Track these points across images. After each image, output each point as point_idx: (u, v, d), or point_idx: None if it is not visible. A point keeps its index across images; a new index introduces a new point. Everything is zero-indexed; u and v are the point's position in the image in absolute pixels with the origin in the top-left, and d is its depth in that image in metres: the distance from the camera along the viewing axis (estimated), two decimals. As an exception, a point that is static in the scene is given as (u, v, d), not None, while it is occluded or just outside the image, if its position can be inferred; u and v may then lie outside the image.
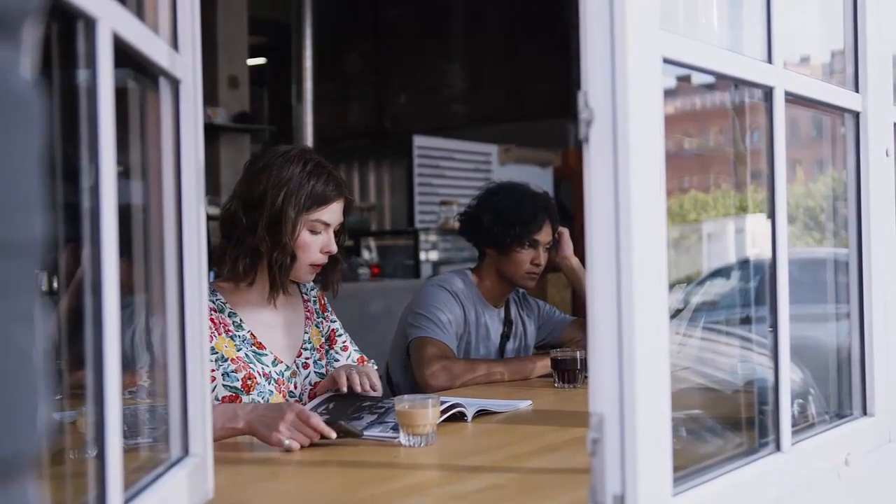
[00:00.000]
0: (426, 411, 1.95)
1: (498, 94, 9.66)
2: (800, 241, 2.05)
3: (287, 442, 1.94)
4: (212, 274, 2.44)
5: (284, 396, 2.37)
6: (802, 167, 2.15)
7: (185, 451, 1.42)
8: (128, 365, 1.06)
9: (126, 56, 1.15)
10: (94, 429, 1.03)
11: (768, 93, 1.59)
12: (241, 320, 2.36)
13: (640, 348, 1.20)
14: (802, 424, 1.75)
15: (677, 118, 1.30)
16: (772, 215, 1.60)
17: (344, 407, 2.24)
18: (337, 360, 2.54)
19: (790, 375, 1.61)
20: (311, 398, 2.42)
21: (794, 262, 1.62)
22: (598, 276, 1.21)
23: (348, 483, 1.78)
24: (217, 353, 2.28)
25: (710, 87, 1.83)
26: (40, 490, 0.63)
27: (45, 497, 0.66)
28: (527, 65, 9.39)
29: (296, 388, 2.42)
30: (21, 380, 0.59)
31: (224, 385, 2.27)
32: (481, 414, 2.30)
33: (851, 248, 1.92)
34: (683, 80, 1.53)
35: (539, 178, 7.30)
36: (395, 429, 2.00)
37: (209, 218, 1.77)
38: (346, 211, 2.42)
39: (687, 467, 1.37)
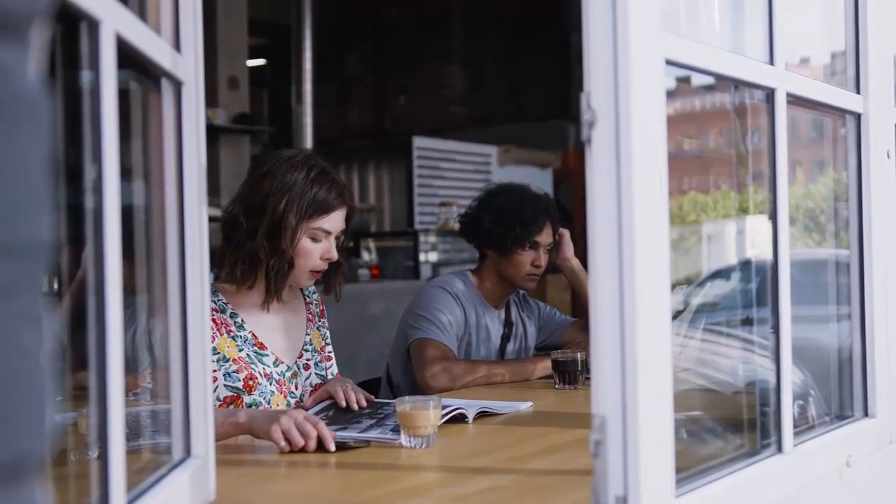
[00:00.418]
0: (427, 412, 1.95)
1: (497, 96, 9.66)
2: (799, 242, 2.05)
3: (283, 444, 1.93)
4: (212, 275, 2.44)
5: (285, 397, 2.37)
6: (802, 168, 2.15)
7: (188, 452, 1.42)
8: (129, 365, 1.06)
9: (129, 57, 1.15)
10: (97, 430, 1.03)
11: (770, 94, 1.59)
12: (242, 321, 2.36)
13: (643, 350, 1.20)
14: (803, 426, 1.75)
15: (676, 119, 1.30)
16: (773, 217, 1.60)
17: (343, 413, 2.25)
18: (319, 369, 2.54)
19: (791, 377, 1.61)
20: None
21: (794, 263, 1.62)
22: (601, 277, 1.21)
23: (350, 484, 1.78)
24: (218, 353, 2.28)
25: (709, 89, 1.83)
26: (47, 491, 0.63)
27: (52, 498, 0.66)
28: (526, 66, 9.39)
29: (296, 388, 2.42)
30: (28, 381, 0.59)
31: (225, 385, 2.27)
32: (482, 415, 2.30)
33: (852, 250, 1.92)
34: (683, 81, 1.53)
35: (538, 180, 7.29)
36: (396, 431, 2.00)
37: (209, 219, 1.77)
38: (349, 218, 2.41)
39: (689, 469, 1.37)
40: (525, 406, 2.45)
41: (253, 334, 2.36)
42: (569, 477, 1.74)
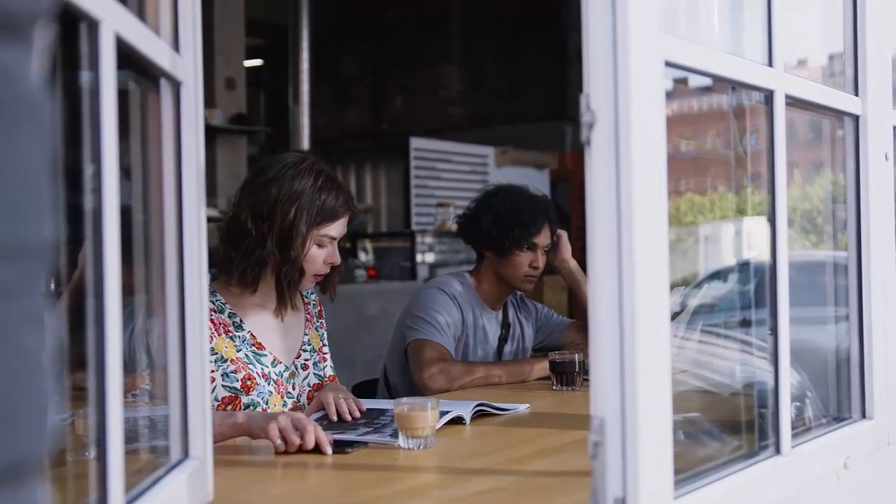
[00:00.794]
0: (425, 414, 1.94)
1: (495, 97, 9.66)
2: (796, 243, 2.05)
3: (279, 442, 1.93)
4: (210, 275, 2.44)
5: (283, 397, 2.37)
6: (799, 170, 2.15)
7: (185, 453, 1.42)
8: (126, 366, 1.06)
9: (128, 58, 1.15)
10: (95, 431, 1.02)
11: (769, 96, 1.59)
12: (241, 321, 2.37)
13: (642, 351, 1.20)
14: (800, 428, 1.75)
15: (673, 120, 1.29)
16: (772, 218, 1.60)
17: (340, 419, 2.23)
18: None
19: (788, 378, 1.61)
20: (308, 400, 2.42)
21: (791, 264, 1.62)
22: (600, 278, 1.21)
23: (348, 486, 1.78)
24: (216, 353, 2.28)
25: (706, 90, 1.83)
26: (49, 492, 0.63)
27: (53, 499, 0.66)
28: (524, 67, 9.40)
29: (294, 388, 2.42)
30: (29, 382, 0.59)
31: (223, 385, 2.27)
32: (480, 416, 2.29)
33: (851, 252, 1.92)
34: (680, 82, 1.52)
35: (535, 181, 7.29)
36: (394, 436, 2.00)
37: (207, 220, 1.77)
38: (350, 222, 2.43)
39: (687, 470, 1.37)
40: (522, 408, 2.45)
41: (252, 334, 2.37)
42: (567, 478, 1.74)
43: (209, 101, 7.33)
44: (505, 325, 3.24)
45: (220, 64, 7.57)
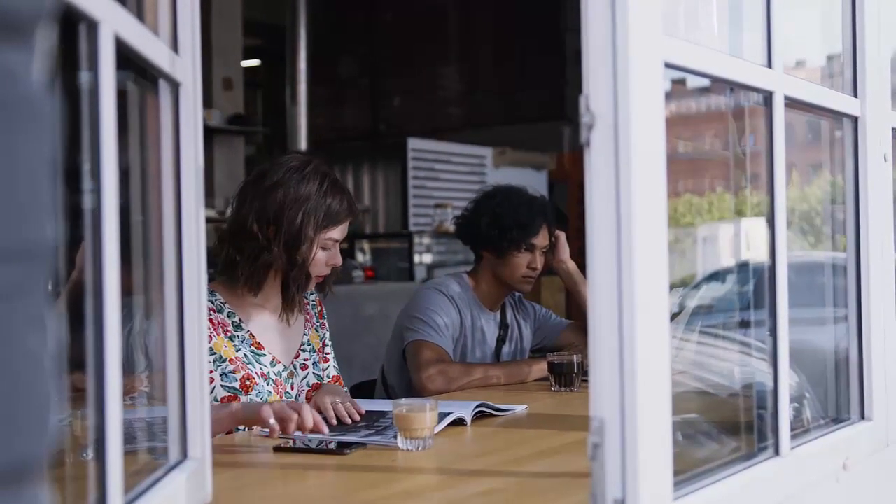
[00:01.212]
0: (424, 415, 1.94)
1: (492, 97, 9.66)
2: (794, 244, 2.05)
3: (272, 421, 1.95)
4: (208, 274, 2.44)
5: (281, 397, 2.37)
6: (797, 171, 2.15)
7: (184, 454, 1.42)
8: (125, 366, 1.06)
9: (127, 58, 1.15)
10: (94, 432, 1.02)
11: (768, 97, 1.59)
12: (240, 320, 2.37)
13: (641, 352, 1.20)
14: (799, 429, 1.75)
15: (671, 121, 1.29)
16: (771, 219, 1.60)
17: (339, 422, 2.23)
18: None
19: (787, 380, 1.61)
20: (307, 400, 2.42)
21: (790, 265, 1.62)
22: (599, 279, 1.21)
23: (346, 487, 1.78)
24: (215, 353, 2.28)
25: (705, 91, 1.83)
26: (50, 493, 0.63)
27: (56, 500, 0.66)
28: (521, 68, 9.40)
29: (293, 388, 2.42)
30: (32, 384, 0.59)
31: (222, 385, 2.28)
32: (479, 417, 2.29)
33: (850, 253, 1.92)
34: (677, 83, 1.52)
35: (533, 181, 7.29)
36: (393, 438, 2.00)
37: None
38: (350, 224, 2.45)
39: (687, 472, 1.37)
40: (520, 409, 2.45)
41: (251, 334, 2.37)
42: (566, 480, 1.74)
43: (207, 101, 7.32)
44: (503, 326, 3.23)
45: (217, 64, 7.57)
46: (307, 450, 1.96)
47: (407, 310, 3.08)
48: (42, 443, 0.59)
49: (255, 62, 10.19)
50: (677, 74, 1.41)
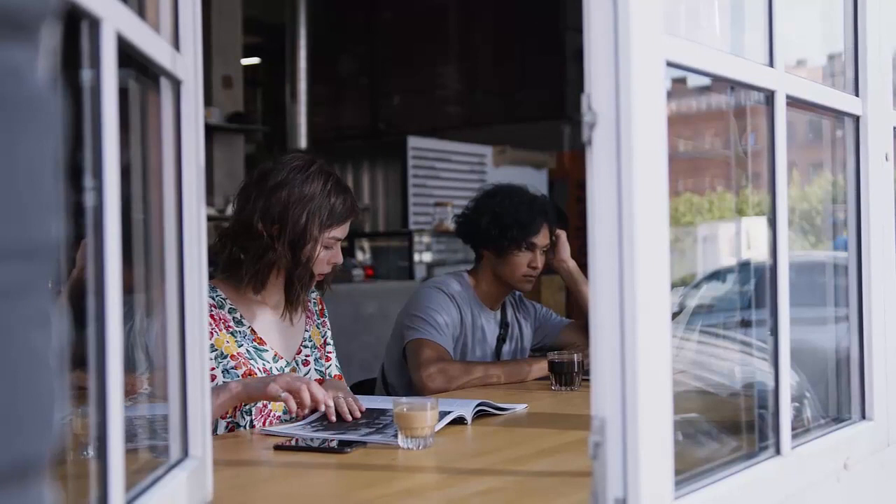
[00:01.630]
0: (424, 414, 1.94)
1: (492, 96, 9.66)
2: (795, 244, 2.05)
3: (283, 394, 2.02)
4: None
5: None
6: (798, 170, 2.15)
7: (185, 452, 1.42)
8: (125, 364, 1.06)
9: (128, 56, 1.15)
10: (96, 430, 1.02)
11: (769, 96, 1.59)
12: (241, 316, 2.38)
13: (643, 351, 1.20)
14: (800, 428, 1.75)
15: (671, 120, 1.29)
16: (772, 218, 1.60)
17: (339, 419, 2.23)
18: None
19: (788, 379, 1.61)
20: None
21: (790, 264, 1.62)
22: (601, 278, 1.21)
23: (347, 485, 1.78)
24: (217, 350, 2.29)
25: (705, 90, 1.83)
26: (54, 492, 0.63)
27: (59, 498, 0.65)
28: (521, 66, 9.40)
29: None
30: (36, 382, 0.58)
31: (225, 382, 2.28)
32: (479, 416, 2.29)
33: (851, 252, 1.92)
34: (678, 81, 1.52)
35: (533, 180, 7.29)
36: (396, 436, 2.00)
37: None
38: (351, 224, 2.47)
39: (688, 471, 1.37)
40: (520, 408, 2.44)
41: (252, 330, 2.38)
42: (567, 479, 1.74)
43: (207, 99, 7.28)
44: (503, 324, 3.23)
45: (217, 62, 7.57)
46: (308, 448, 1.96)
47: (407, 308, 3.08)
48: (46, 441, 0.59)
49: (254, 60, 10.19)
50: (678, 73, 1.41)
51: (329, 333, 2.62)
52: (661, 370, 1.25)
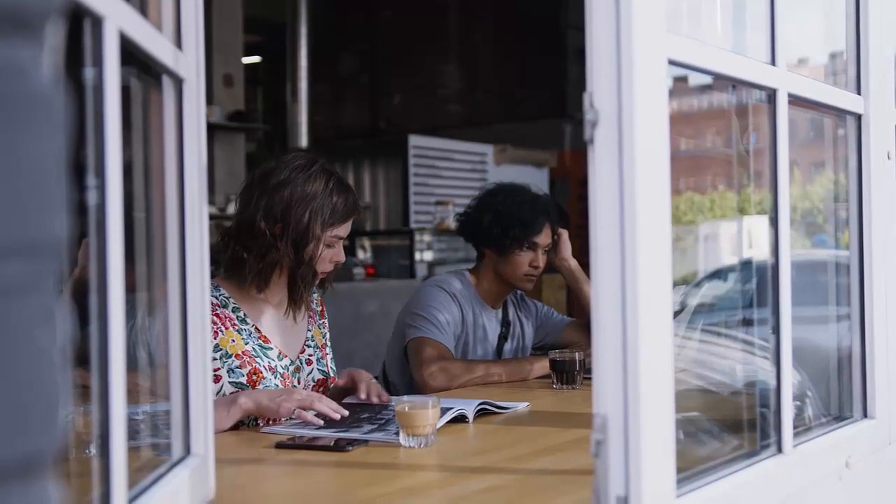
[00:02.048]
0: (426, 412, 1.94)
1: (493, 95, 9.66)
2: (796, 242, 2.05)
3: (297, 412, 2.09)
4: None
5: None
6: (799, 168, 2.15)
7: (187, 450, 1.42)
8: (127, 363, 1.06)
9: (131, 54, 1.15)
10: (98, 428, 1.02)
11: (771, 95, 1.59)
12: (244, 314, 2.38)
13: (644, 350, 1.20)
14: (801, 427, 1.75)
15: (674, 119, 1.29)
16: (774, 217, 1.60)
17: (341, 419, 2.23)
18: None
19: (790, 378, 1.61)
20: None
21: (792, 263, 1.62)
22: (602, 276, 1.21)
23: (349, 484, 1.78)
24: (221, 349, 2.29)
25: (706, 88, 1.83)
26: (60, 489, 0.63)
27: (65, 495, 0.66)
28: (522, 65, 9.39)
29: (299, 383, 2.44)
30: (42, 379, 0.59)
31: (230, 382, 2.29)
32: (481, 415, 2.29)
33: (852, 251, 1.92)
34: (679, 80, 1.52)
35: (534, 179, 7.29)
36: (396, 434, 2.00)
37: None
38: (353, 222, 2.48)
39: (689, 469, 1.37)
40: (521, 406, 2.45)
41: (256, 328, 2.39)
42: (569, 477, 1.74)
43: (207, 98, 7.27)
44: (505, 323, 3.23)
45: (218, 61, 7.57)
46: (309, 446, 1.96)
47: (408, 307, 3.08)
48: (50, 438, 0.60)
49: (255, 59, 10.19)
50: (679, 72, 1.41)
51: (328, 334, 2.63)
52: (663, 368, 1.25)
